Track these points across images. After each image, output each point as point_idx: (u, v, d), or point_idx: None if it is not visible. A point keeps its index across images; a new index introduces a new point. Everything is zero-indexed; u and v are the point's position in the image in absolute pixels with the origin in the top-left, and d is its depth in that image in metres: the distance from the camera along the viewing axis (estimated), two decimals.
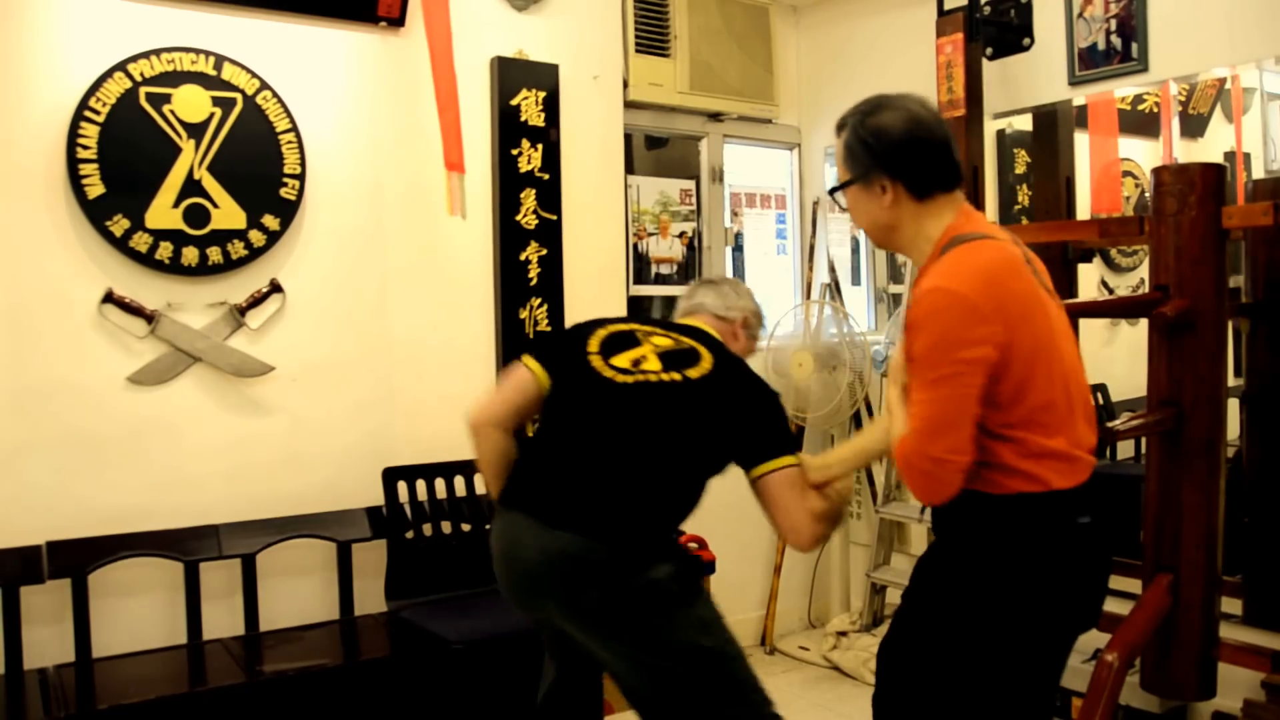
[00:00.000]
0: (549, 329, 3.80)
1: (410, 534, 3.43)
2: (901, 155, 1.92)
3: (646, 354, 2.28)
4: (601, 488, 2.14)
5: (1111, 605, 3.18)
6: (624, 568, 2.09)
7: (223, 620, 3.21)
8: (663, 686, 2.17)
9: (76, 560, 2.97)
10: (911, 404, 1.85)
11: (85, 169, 3.02)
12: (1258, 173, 3.40)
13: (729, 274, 4.59)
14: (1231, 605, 3.06)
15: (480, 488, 3.50)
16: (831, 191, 2.09)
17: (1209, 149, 3.50)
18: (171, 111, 3.15)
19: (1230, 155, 3.44)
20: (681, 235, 4.41)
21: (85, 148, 3.02)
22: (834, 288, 4.62)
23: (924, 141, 1.93)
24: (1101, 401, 3.86)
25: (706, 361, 2.28)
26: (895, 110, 1.96)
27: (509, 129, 3.74)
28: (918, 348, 1.83)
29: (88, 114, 3.02)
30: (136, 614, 3.13)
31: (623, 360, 2.26)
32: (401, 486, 3.45)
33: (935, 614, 2.00)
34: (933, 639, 2.01)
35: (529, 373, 2.31)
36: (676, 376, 2.23)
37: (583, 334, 2.34)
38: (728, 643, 2.29)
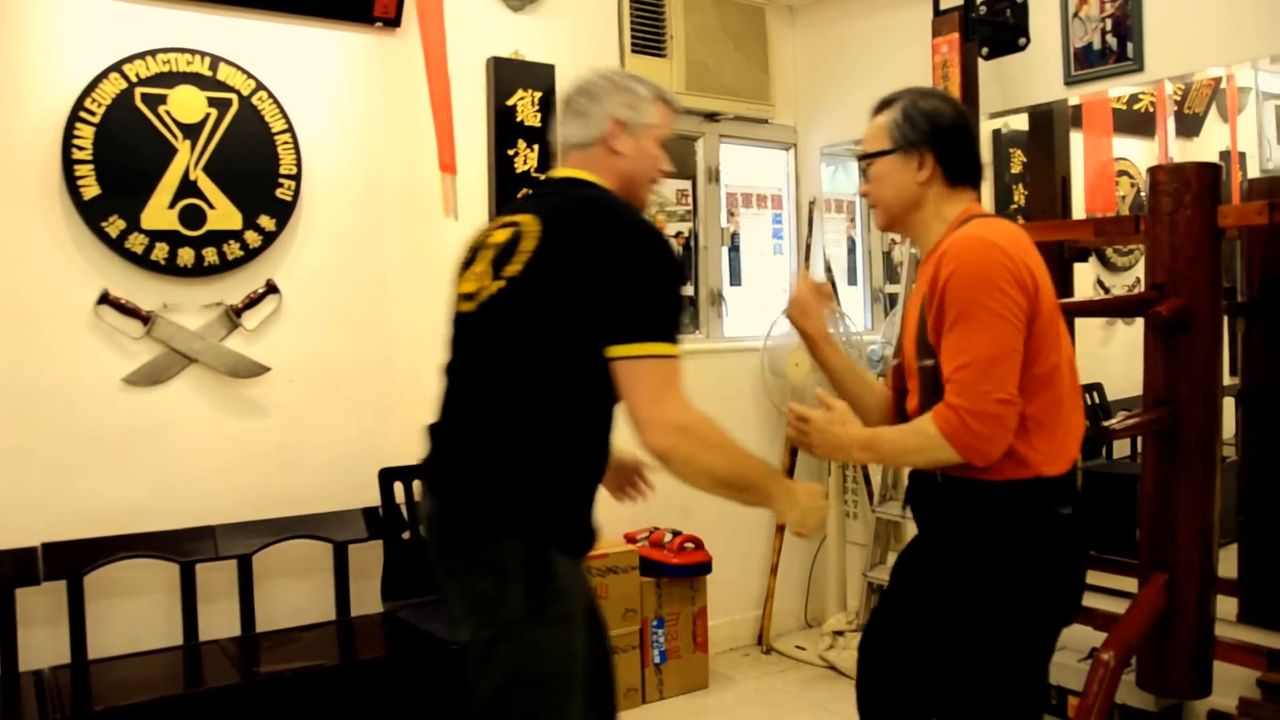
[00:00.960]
0: None
1: (406, 534, 3.43)
2: (949, 139, 2.04)
3: (483, 268, 1.90)
4: (451, 439, 1.92)
5: (1108, 604, 3.20)
6: (462, 535, 1.85)
7: (219, 621, 3.21)
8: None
9: (72, 561, 2.97)
10: (955, 354, 1.86)
11: (81, 170, 3.01)
12: (1253, 172, 3.40)
13: (726, 275, 4.59)
14: (1227, 604, 3.07)
15: None
16: (864, 158, 2.12)
17: (1204, 148, 3.50)
18: (167, 112, 3.14)
19: (1225, 155, 3.44)
20: (678, 235, 4.41)
21: (80, 148, 3.01)
22: (830, 287, 4.62)
23: (968, 134, 2.09)
24: (1097, 400, 3.86)
25: (530, 240, 1.83)
26: (947, 101, 2.10)
27: (505, 129, 3.74)
28: (961, 294, 1.86)
29: (83, 115, 3.02)
30: (132, 615, 3.12)
31: (468, 283, 1.94)
32: (398, 487, 3.45)
33: (927, 606, 2.02)
34: (926, 631, 2.02)
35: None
36: (501, 284, 1.84)
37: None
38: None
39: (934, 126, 2.03)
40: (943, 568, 2.01)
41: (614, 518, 4.02)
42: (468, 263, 1.98)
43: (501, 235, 1.90)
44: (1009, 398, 1.82)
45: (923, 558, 2.11)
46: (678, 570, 3.84)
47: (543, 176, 2.00)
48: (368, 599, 3.43)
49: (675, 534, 3.94)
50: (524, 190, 3.76)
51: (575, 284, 1.78)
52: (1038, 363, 1.89)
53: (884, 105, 2.11)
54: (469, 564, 1.84)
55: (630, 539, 3.95)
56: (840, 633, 4.28)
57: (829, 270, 4.64)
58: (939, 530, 2.05)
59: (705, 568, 3.92)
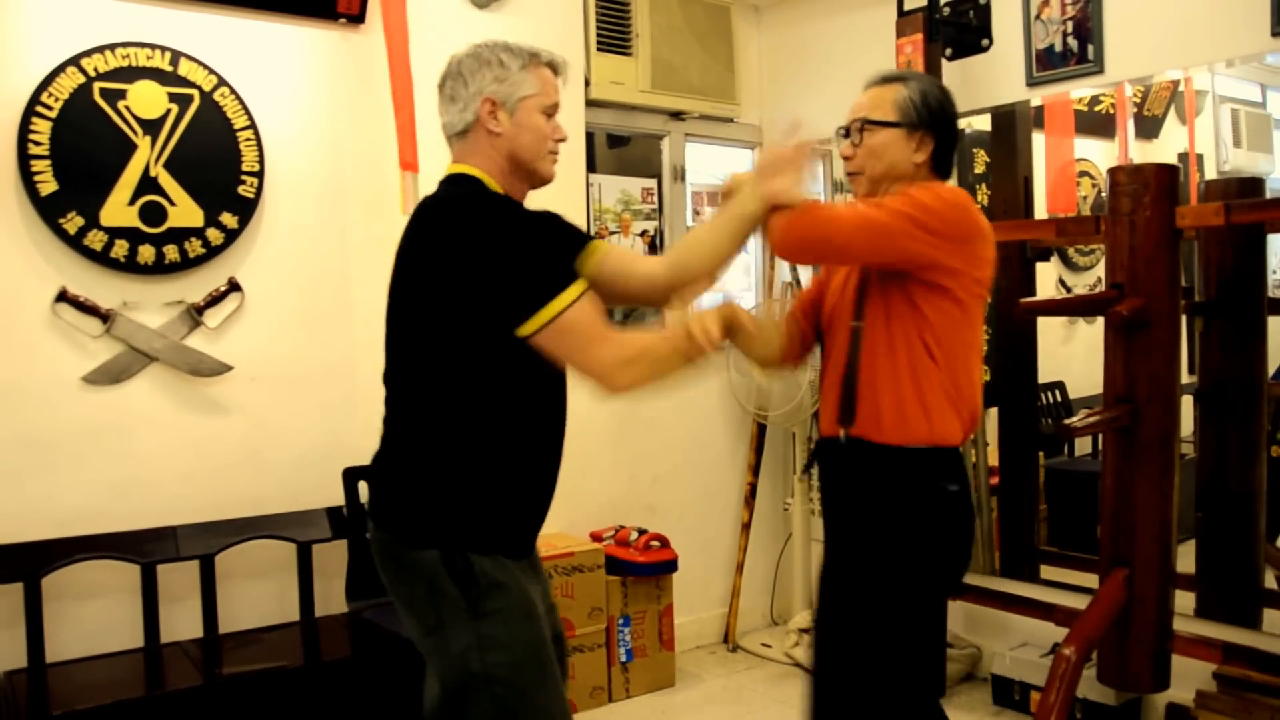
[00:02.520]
0: None
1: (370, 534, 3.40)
2: (949, 131, 2.15)
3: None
4: (377, 455, 1.95)
5: (1069, 599, 3.24)
6: (388, 549, 1.86)
7: (181, 623, 3.17)
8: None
9: (29, 564, 2.92)
10: (876, 204, 2.00)
11: (37, 165, 2.97)
12: (1210, 174, 3.45)
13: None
14: (1185, 599, 3.12)
15: None
16: (869, 123, 2.13)
17: (1163, 150, 3.55)
18: (127, 108, 3.10)
19: (1184, 156, 3.49)
20: (643, 234, 4.41)
21: (37, 144, 2.97)
22: (795, 285, 4.64)
23: (958, 132, 2.20)
24: (1059, 399, 3.91)
25: (399, 253, 1.89)
26: (949, 95, 2.19)
27: None
28: (918, 199, 1.98)
29: (39, 109, 2.97)
30: (92, 617, 3.08)
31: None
32: (362, 486, 3.43)
33: (830, 573, 2.12)
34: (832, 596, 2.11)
35: None
36: (389, 296, 1.90)
37: None
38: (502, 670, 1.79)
39: (943, 113, 2.13)
40: (841, 533, 2.10)
41: (579, 516, 4.02)
42: None
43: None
44: (867, 220, 1.96)
45: (838, 539, 2.17)
46: (644, 569, 3.84)
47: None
48: (332, 599, 3.40)
49: (641, 532, 3.94)
50: None
51: (440, 280, 1.78)
52: (966, 331, 2.02)
53: (892, 79, 2.17)
54: (400, 576, 1.86)
55: (596, 537, 3.95)
56: (806, 630, 4.30)
57: (794, 269, 4.66)
58: (839, 493, 2.12)
59: (671, 566, 3.92)
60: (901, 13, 3.71)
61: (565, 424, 1.97)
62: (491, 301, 1.75)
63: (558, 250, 1.85)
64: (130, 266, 3.12)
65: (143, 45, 3.13)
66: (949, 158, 2.17)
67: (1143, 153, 3.59)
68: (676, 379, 1.86)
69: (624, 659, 3.86)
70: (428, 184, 3.56)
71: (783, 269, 4.67)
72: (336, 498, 3.41)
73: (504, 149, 1.92)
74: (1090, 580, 3.07)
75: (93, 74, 3.05)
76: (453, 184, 1.93)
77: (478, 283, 1.75)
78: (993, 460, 3.88)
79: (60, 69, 3.00)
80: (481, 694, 1.78)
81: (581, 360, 1.77)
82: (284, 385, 3.40)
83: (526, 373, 1.80)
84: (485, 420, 1.82)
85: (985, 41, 3.70)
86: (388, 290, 1.90)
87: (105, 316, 3.10)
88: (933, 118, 2.11)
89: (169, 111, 3.16)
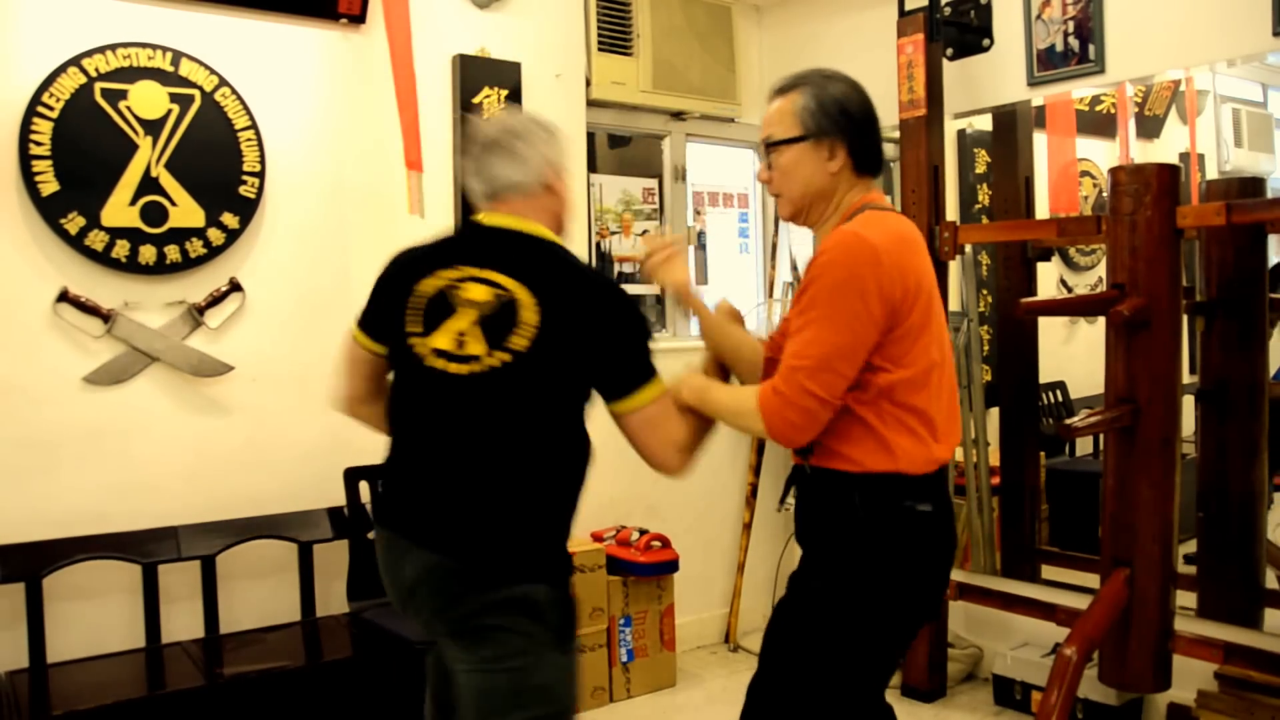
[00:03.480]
0: None
1: (372, 534, 3.40)
2: (859, 128, 2.00)
3: (466, 326, 1.91)
4: (456, 498, 1.93)
5: (1070, 599, 3.23)
6: (486, 581, 1.90)
7: (182, 623, 3.18)
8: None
9: (31, 563, 2.93)
10: (802, 344, 1.86)
11: (38, 165, 2.97)
12: (1211, 173, 3.46)
13: (693, 274, 4.58)
14: (1187, 599, 3.12)
15: None
16: (772, 144, 2.04)
17: (1164, 150, 3.56)
18: (128, 108, 3.10)
19: (1185, 156, 3.49)
20: (644, 234, 4.41)
21: (38, 144, 2.97)
22: (796, 286, 4.65)
23: (875, 122, 2.03)
24: (1060, 399, 3.91)
25: (530, 313, 1.89)
26: (852, 86, 2.04)
27: None
28: (822, 287, 1.86)
29: (41, 110, 2.97)
30: (93, 618, 3.08)
31: (445, 339, 1.93)
32: (363, 486, 3.43)
33: (800, 599, 2.04)
34: (799, 622, 2.03)
35: (357, 344, 2.13)
36: (506, 357, 1.88)
37: (398, 297, 2.02)
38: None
39: (846, 114, 1.99)
40: (808, 556, 2.04)
41: (580, 516, 4.01)
42: (434, 311, 1.95)
43: (482, 294, 1.92)
44: (828, 399, 1.85)
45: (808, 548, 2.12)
46: (645, 569, 3.84)
47: (484, 221, 2.05)
48: (333, 599, 3.40)
49: (642, 532, 3.94)
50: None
51: (579, 355, 1.92)
52: (905, 365, 1.89)
53: (787, 88, 2.05)
54: (486, 607, 1.89)
55: (597, 538, 3.95)
56: None
57: (795, 269, 4.66)
58: (807, 518, 2.05)
59: (672, 566, 3.92)
60: (902, 12, 3.71)
61: None
62: (612, 373, 1.94)
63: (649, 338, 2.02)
64: (131, 267, 3.12)
65: (144, 45, 3.13)
66: (872, 155, 2.02)
67: (1144, 152, 3.60)
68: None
69: (625, 659, 3.86)
70: (430, 184, 3.58)
71: (783, 269, 4.67)
72: (338, 498, 3.41)
73: (556, 209, 2.12)
74: (1091, 580, 3.07)
75: (94, 74, 3.05)
76: (552, 246, 2.05)
77: (610, 354, 1.94)
78: (994, 460, 3.88)
79: (61, 69, 3.01)
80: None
81: (659, 442, 1.97)
82: (285, 385, 3.41)
83: (584, 422, 2.02)
84: (572, 471, 2.02)
85: (986, 41, 3.70)
86: (490, 347, 1.90)
87: (106, 317, 3.10)
88: (835, 121, 1.97)
89: (170, 112, 3.17)
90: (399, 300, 2.01)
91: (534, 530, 1.96)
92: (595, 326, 1.92)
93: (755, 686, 2.06)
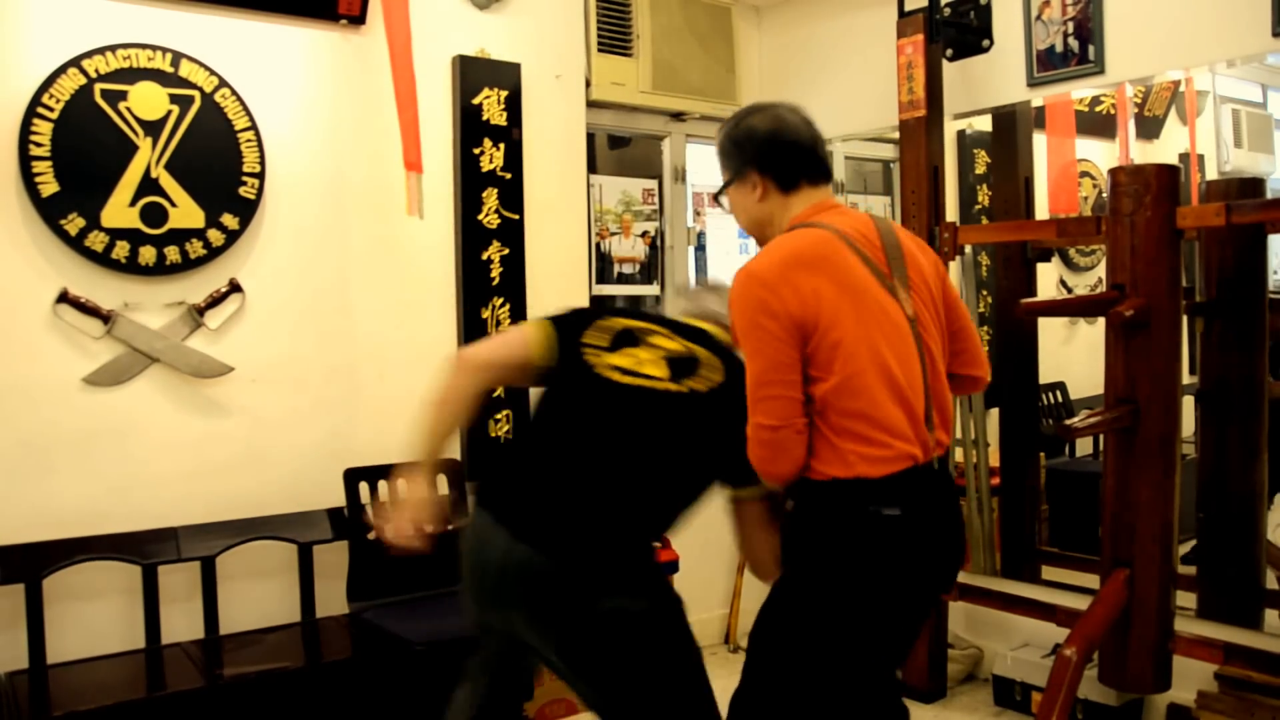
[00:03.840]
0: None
1: (372, 535, 3.39)
2: (767, 150, 2.10)
3: (650, 357, 2.09)
4: (581, 501, 1.99)
5: (1070, 600, 3.23)
6: (587, 588, 1.96)
7: (182, 624, 3.17)
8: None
9: (31, 564, 2.92)
10: (748, 380, 1.98)
11: (38, 166, 2.97)
12: (1211, 174, 3.46)
13: (691, 274, 4.60)
14: (1187, 600, 3.12)
15: (443, 486, 3.48)
16: (716, 196, 2.22)
17: (1164, 150, 3.56)
18: (128, 109, 3.10)
19: (1184, 157, 3.49)
20: (644, 235, 4.41)
21: (38, 145, 2.97)
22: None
23: (786, 137, 2.10)
24: (1060, 399, 3.91)
25: (715, 372, 2.11)
26: (763, 113, 2.15)
27: (471, 128, 3.73)
28: (734, 325, 2.00)
29: (40, 110, 2.97)
30: (93, 619, 3.08)
31: (624, 359, 2.08)
32: (363, 487, 3.43)
33: (774, 600, 2.08)
34: (772, 624, 2.07)
35: (524, 339, 2.15)
36: (681, 388, 2.06)
37: (583, 320, 2.17)
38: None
39: (753, 144, 2.10)
40: (784, 562, 2.08)
41: None
42: (621, 339, 2.14)
43: (671, 344, 2.16)
44: (778, 424, 1.92)
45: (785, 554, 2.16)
46: None
47: (707, 329, 2.24)
48: (333, 600, 3.40)
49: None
50: (487, 189, 3.76)
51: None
52: (834, 371, 1.92)
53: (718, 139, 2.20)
54: (615, 588, 2.00)
55: None
56: None
57: None
58: (785, 526, 2.11)
59: (672, 566, 3.92)
60: (902, 13, 3.71)
61: None
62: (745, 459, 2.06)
63: None
64: (131, 267, 3.12)
65: (144, 46, 3.13)
66: (788, 169, 2.10)
67: (1143, 153, 3.60)
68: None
69: None
70: (430, 185, 3.58)
71: None
72: (337, 499, 3.40)
73: None
74: (1091, 581, 3.07)
75: (94, 75, 3.05)
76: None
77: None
78: (994, 460, 3.88)
79: (61, 70, 3.00)
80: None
81: (764, 539, 2.25)
82: (285, 386, 3.40)
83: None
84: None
85: (986, 42, 3.70)
86: (695, 413, 2.10)
87: (106, 317, 3.10)
88: (742, 153, 2.11)
89: (170, 112, 3.17)
90: (582, 323, 2.16)
91: (642, 549, 2.13)
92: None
93: (739, 690, 2.11)
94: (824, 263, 1.96)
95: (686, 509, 2.14)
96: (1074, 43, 3.49)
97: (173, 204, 3.17)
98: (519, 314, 3.82)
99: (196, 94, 3.21)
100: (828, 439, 1.95)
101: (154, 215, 3.14)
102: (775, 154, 2.09)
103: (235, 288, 3.31)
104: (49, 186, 2.99)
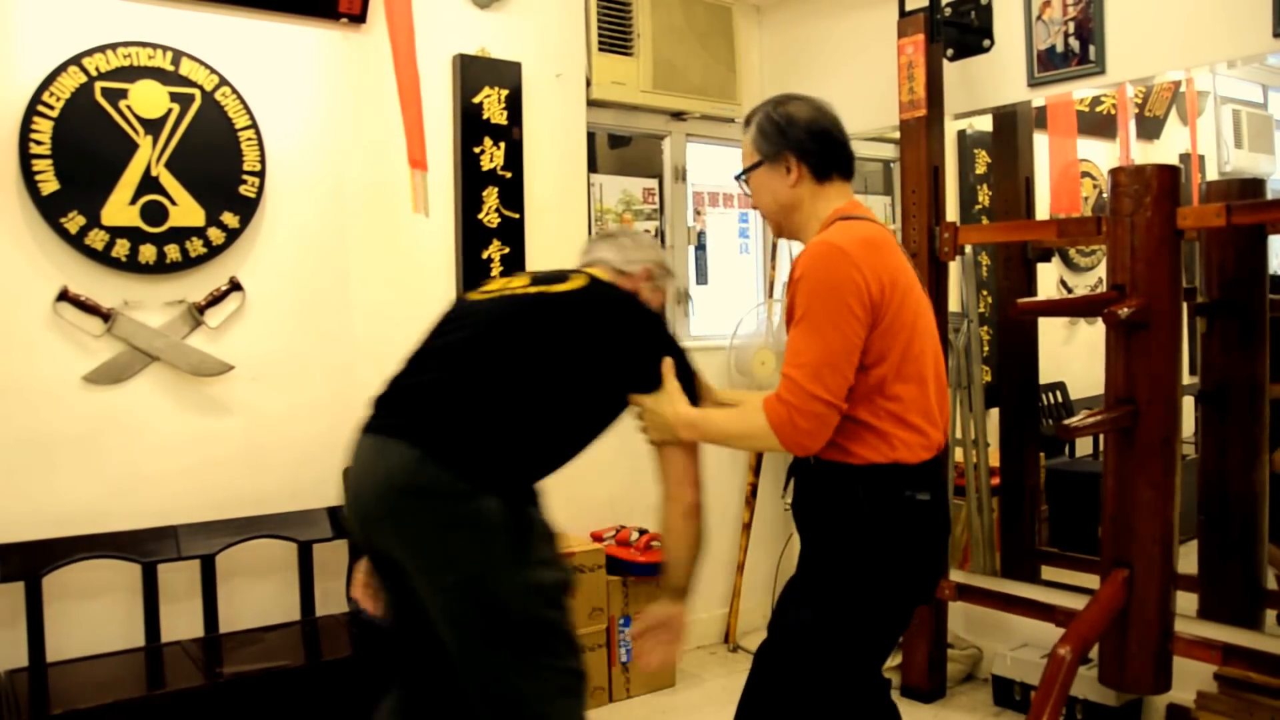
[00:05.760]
0: None
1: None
2: (808, 138, 2.13)
3: (517, 280, 2.26)
4: (442, 395, 2.05)
5: (1069, 600, 3.23)
6: (454, 489, 1.95)
7: (182, 622, 3.17)
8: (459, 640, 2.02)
9: (31, 562, 2.93)
10: (794, 354, 1.97)
11: (39, 165, 2.97)
12: (1212, 174, 3.45)
13: (692, 274, 4.60)
14: (1187, 600, 3.11)
15: None
16: (739, 175, 2.23)
17: (1165, 151, 3.55)
18: (128, 107, 3.10)
19: (1185, 157, 3.49)
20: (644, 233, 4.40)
21: (39, 143, 2.97)
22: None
23: (826, 129, 2.15)
24: (1060, 399, 3.91)
25: (578, 281, 2.22)
26: (803, 101, 2.19)
27: (471, 127, 3.73)
28: (806, 297, 1.97)
29: (41, 109, 2.97)
30: (93, 617, 3.08)
31: (492, 284, 2.29)
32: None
33: (803, 585, 2.12)
34: (800, 609, 2.11)
35: None
36: (541, 289, 2.19)
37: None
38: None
39: (790, 129, 2.13)
40: (811, 546, 2.11)
41: (580, 516, 4.02)
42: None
43: (523, 282, 2.28)
44: (833, 401, 1.95)
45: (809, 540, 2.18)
46: (644, 569, 3.83)
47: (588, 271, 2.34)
48: (332, 599, 3.40)
49: (642, 532, 3.94)
50: (488, 188, 3.76)
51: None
52: (889, 361, 1.98)
53: (747, 121, 2.22)
54: (470, 511, 1.99)
55: (597, 538, 3.95)
56: None
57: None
58: (809, 509, 2.12)
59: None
60: (903, 13, 3.71)
61: None
62: (618, 371, 2.17)
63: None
64: (131, 266, 3.12)
65: (144, 45, 3.13)
66: (827, 159, 2.14)
67: (1144, 153, 3.59)
68: None
69: (624, 659, 3.86)
70: (433, 183, 3.58)
71: (783, 270, 4.66)
72: (337, 497, 3.41)
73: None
74: (1090, 581, 3.07)
75: (94, 73, 3.05)
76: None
77: (619, 351, 2.18)
78: (993, 460, 3.88)
79: (62, 68, 3.00)
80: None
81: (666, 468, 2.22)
82: (285, 384, 3.41)
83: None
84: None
85: (986, 42, 3.70)
86: (553, 310, 2.16)
87: (106, 316, 3.10)
88: (782, 137, 2.13)
89: (170, 111, 3.17)
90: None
91: (512, 460, 2.07)
92: (619, 324, 2.18)
93: (760, 662, 2.15)
94: (894, 254, 2.05)
95: (557, 422, 2.13)
96: (1074, 43, 3.49)
97: (173, 202, 3.17)
98: None
99: (197, 92, 3.21)
100: (868, 424, 2.00)
101: (154, 213, 3.14)
102: (815, 142, 2.12)
103: (235, 286, 3.31)
104: (49, 185, 2.99)
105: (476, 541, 1.96)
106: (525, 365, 2.06)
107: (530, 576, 2.01)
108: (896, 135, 3.74)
